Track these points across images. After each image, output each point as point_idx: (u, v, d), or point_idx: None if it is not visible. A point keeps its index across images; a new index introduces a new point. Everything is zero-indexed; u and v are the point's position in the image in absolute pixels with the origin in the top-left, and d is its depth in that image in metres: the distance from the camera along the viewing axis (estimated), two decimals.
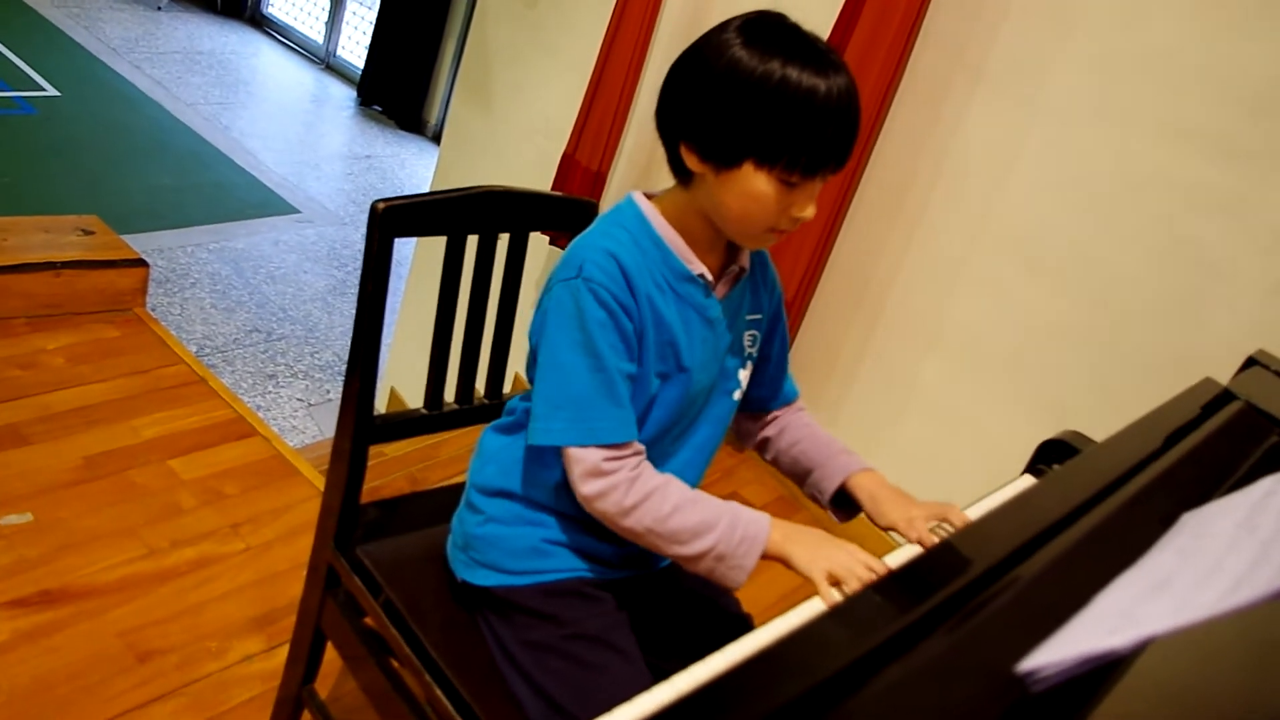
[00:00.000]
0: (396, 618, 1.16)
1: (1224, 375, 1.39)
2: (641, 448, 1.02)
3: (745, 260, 1.10)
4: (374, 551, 1.23)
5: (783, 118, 0.92)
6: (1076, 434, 1.37)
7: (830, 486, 1.15)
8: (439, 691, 1.09)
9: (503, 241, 1.29)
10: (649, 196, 1.07)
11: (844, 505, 1.16)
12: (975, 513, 1.11)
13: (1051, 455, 1.35)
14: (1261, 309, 1.85)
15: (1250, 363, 1.43)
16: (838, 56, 0.95)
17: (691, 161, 0.99)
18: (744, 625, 1.20)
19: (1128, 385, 2.01)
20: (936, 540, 1.03)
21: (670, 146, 1.02)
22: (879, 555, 1.00)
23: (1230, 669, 0.72)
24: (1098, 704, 0.67)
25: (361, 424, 1.21)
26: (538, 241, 2.75)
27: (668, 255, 1.03)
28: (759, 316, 1.16)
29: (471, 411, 1.36)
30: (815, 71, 0.92)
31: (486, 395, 1.38)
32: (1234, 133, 1.83)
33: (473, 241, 1.25)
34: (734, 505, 1.00)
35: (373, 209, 1.13)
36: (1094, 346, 2.05)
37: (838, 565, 0.91)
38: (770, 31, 0.95)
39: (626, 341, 1.00)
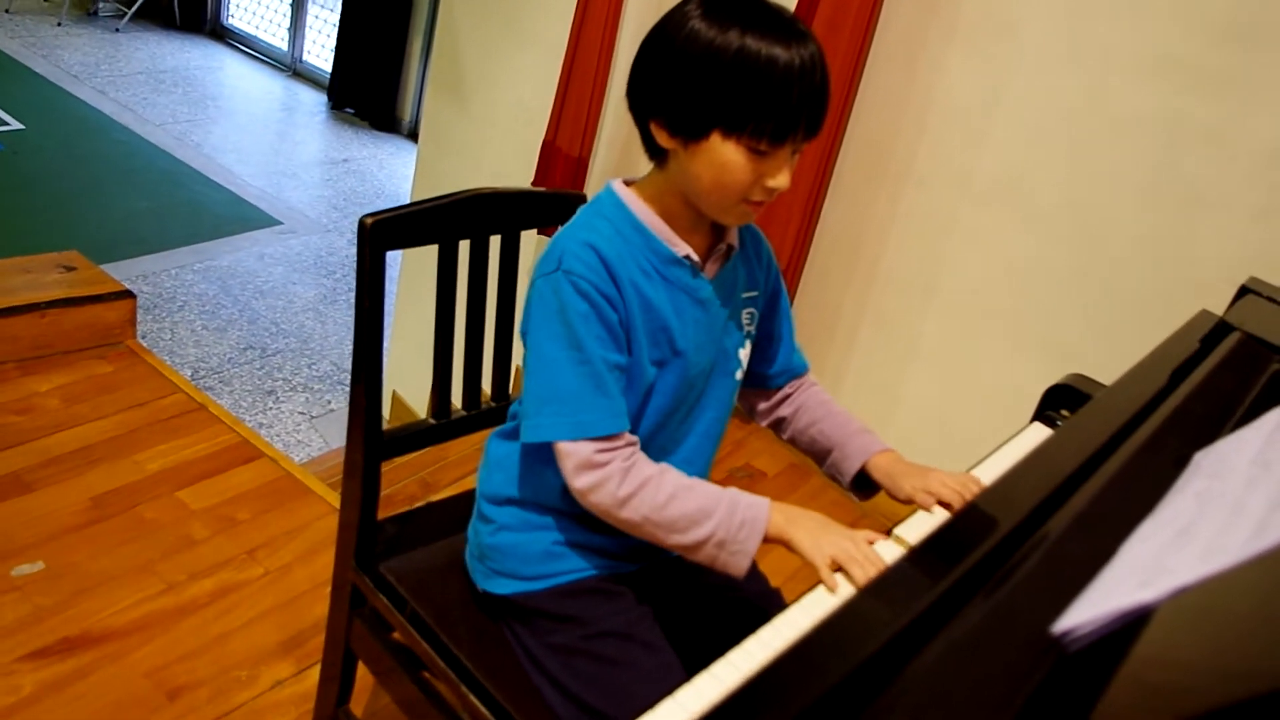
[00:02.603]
0: (425, 630, 1.16)
1: (1218, 304, 1.39)
2: (635, 438, 1.02)
3: (733, 238, 1.09)
4: (396, 566, 1.23)
5: (744, 85, 0.92)
6: (1081, 376, 1.37)
7: (851, 468, 1.15)
8: (475, 699, 1.09)
9: (494, 242, 1.28)
10: (628, 183, 1.07)
11: (863, 486, 1.16)
12: (994, 464, 1.12)
13: (1059, 400, 1.35)
14: (1249, 235, 1.85)
15: (1244, 291, 1.43)
16: (803, 26, 0.96)
17: (662, 138, 0.99)
18: (773, 601, 1.20)
19: (1126, 323, 2.01)
20: (956, 498, 1.03)
21: (641, 125, 1.02)
22: (902, 522, 1.00)
23: (1246, 586, 0.72)
24: (1135, 644, 0.67)
25: (371, 441, 1.20)
26: (530, 239, 2.74)
27: (650, 240, 1.03)
28: (755, 294, 1.15)
29: (479, 416, 1.35)
30: (775, 39, 0.92)
31: (493, 398, 1.38)
32: (1208, 61, 1.83)
33: (464, 245, 1.24)
34: (732, 491, 0.99)
35: (361, 225, 1.12)
36: (1089, 287, 2.05)
37: (841, 552, 0.91)
38: (730, 2, 0.95)
39: (612, 331, 0.99)
